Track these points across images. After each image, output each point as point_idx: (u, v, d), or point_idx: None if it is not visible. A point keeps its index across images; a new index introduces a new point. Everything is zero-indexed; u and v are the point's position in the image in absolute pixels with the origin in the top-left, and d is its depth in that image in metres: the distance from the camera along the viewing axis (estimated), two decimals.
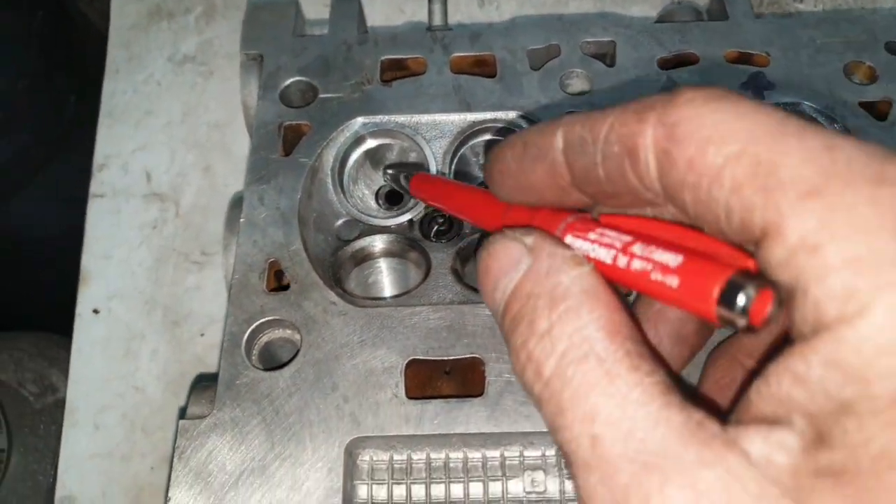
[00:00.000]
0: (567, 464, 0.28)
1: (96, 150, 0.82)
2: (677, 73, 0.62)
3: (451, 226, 0.59)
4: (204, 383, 0.52)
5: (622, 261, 0.30)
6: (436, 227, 0.59)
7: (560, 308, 0.29)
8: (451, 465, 0.50)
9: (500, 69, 0.63)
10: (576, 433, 0.27)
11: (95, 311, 0.76)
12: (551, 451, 0.50)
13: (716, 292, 0.26)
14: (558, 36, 0.64)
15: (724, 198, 0.25)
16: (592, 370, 0.27)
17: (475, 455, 0.50)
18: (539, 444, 0.50)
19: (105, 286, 0.77)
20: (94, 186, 0.81)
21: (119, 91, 0.85)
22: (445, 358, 0.51)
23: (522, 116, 0.61)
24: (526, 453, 0.50)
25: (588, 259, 0.31)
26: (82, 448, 0.72)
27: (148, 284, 0.77)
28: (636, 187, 0.29)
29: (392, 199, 0.65)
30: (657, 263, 0.28)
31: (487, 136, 0.62)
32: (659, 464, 0.24)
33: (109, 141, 0.83)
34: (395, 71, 0.65)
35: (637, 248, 0.29)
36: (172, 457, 0.48)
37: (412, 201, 0.60)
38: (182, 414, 0.52)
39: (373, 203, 0.65)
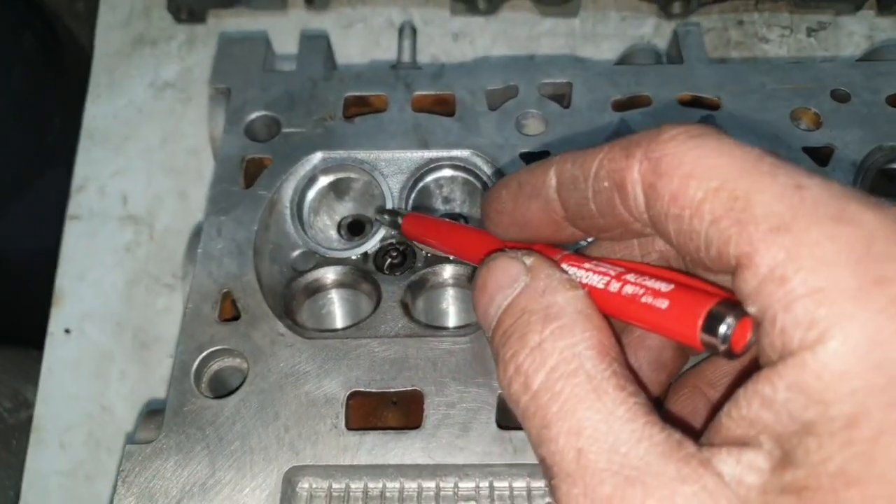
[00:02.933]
0: (548, 476, 0.29)
1: (75, 173, 0.85)
2: (630, 114, 0.64)
3: (404, 259, 0.61)
4: (153, 409, 0.54)
5: (614, 286, 0.32)
6: (389, 261, 0.61)
7: (553, 325, 0.30)
8: (388, 494, 0.52)
9: (459, 108, 0.65)
10: (561, 445, 0.28)
11: (67, 331, 0.78)
12: (485, 483, 0.52)
13: (701, 319, 0.28)
14: (517, 77, 0.66)
15: (703, 229, 0.27)
16: (581, 385, 0.28)
17: (411, 485, 0.52)
18: (473, 475, 0.52)
19: (78, 306, 0.79)
20: (72, 208, 0.83)
21: (100, 115, 0.87)
22: (387, 390, 0.53)
23: (478, 155, 0.63)
24: (461, 484, 0.52)
25: (582, 285, 0.33)
26: (47, 466, 0.74)
27: (119, 306, 0.79)
28: (626, 220, 0.31)
29: (354, 229, 0.67)
30: (648, 289, 0.30)
31: (444, 173, 0.64)
32: (640, 478, 0.26)
33: (88, 164, 0.85)
34: (360, 107, 0.67)
35: (630, 276, 0.31)
36: (116, 480, 0.50)
37: (372, 233, 0.62)
38: (131, 439, 0.54)
39: (334, 234, 0.67)
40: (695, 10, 0.86)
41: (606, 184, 0.30)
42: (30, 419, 0.77)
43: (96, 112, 0.87)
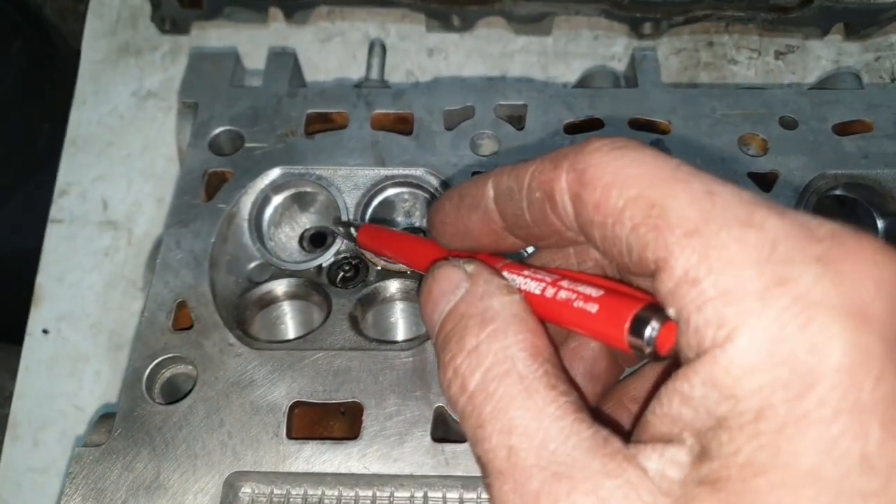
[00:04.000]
0: (483, 474, 0.31)
1: (59, 178, 0.87)
2: (580, 137, 0.66)
3: (356, 273, 0.63)
4: (106, 413, 0.56)
5: (550, 291, 0.33)
6: (341, 274, 0.63)
7: (489, 328, 0.31)
8: (326, 501, 0.54)
9: (417, 127, 0.67)
10: (494, 444, 0.30)
11: (45, 332, 0.81)
12: (419, 493, 0.54)
13: (627, 322, 0.29)
14: (475, 98, 0.68)
15: (624, 235, 0.29)
16: (513, 385, 0.29)
17: (349, 493, 0.54)
18: (409, 486, 0.54)
19: (56, 308, 0.82)
20: (54, 212, 0.86)
21: (84, 122, 0.90)
22: (328, 402, 0.55)
23: (431, 173, 0.65)
24: (396, 494, 0.54)
25: (519, 290, 0.34)
26: (21, 462, 0.76)
27: (96, 308, 0.82)
28: (558, 228, 0.32)
29: (315, 241, 0.69)
30: (580, 294, 0.32)
31: (399, 190, 0.66)
32: (567, 473, 0.27)
33: (71, 169, 0.88)
34: (323, 123, 0.69)
35: (565, 283, 0.33)
36: (64, 482, 0.52)
37: (328, 246, 0.64)
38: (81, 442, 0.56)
39: (296, 245, 0.69)
40: (666, 31, 0.88)
41: (538, 194, 0.32)
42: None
43: (81, 118, 0.90)
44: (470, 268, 0.35)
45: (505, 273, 0.36)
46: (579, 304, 0.31)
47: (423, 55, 0.90)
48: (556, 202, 0.31)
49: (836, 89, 0.70)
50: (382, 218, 0.69)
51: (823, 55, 0.88)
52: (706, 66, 0.88)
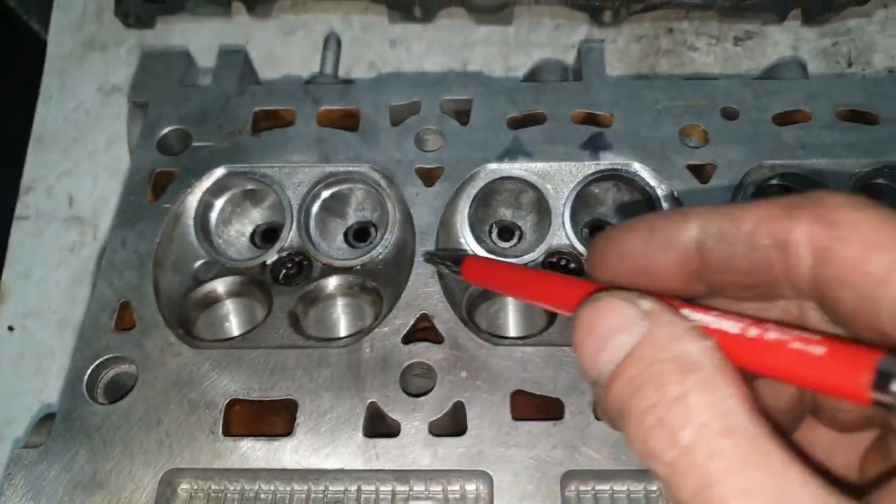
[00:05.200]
0: None
1: (24, 174, 0.88)
2: (524, 132, 0.67)
3: (300, 270, 0.64)
4: (47, 414, 0.58)
5: (753, 332, 0.29)
6: (284, 271, 0.64)
7: (693, 377, 0.28)
8: (262, 496, 0.55)
9: (363, 123, 0.68)
10: None
11: (10, 328, 0.82)
12: (353, 487, 0.55)
13: (869, 372, 0.25)
14: (421, 93, 0.69)
15: (891, 297, 0.27)
16: (742, 444, 0.27)
17: (284, 488, 0.55)
18: (343, 480, 0.55)
19: (22, 304, 0.83)
20: (20, 209, 0.87)
21: (50, 118, 0.91)
22: (264, 399, 0.56)
23: (375, 169, 0.65)
24: (331, 488, 0.55)
25: (709, 331, 0.30)
26: None
27: (62, 305, 0.83)
28: (776, 279, 0.30)
29: (267, 237, 0.70)
30: (798, 336, 0.28)
31: (343, 186, 0.67)
32: None
33: (37, 165, 0.89)
34: (272, 121, 0.70)
35: (769, 324, 0.29)
36: (2, 483, 0.53)
37: (284, 239, 0.65)
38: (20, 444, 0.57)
39: (247, 242, 0.70)
40: (625, 19, 0.88)
41: (766, 241, 0.30)
42: None
43: (46, 114, 0.91)
44: (646, 304, 0.31)
45: (685, 311, 0.32)
46: (798, 345, 0.28)
47: (385, 47, 0.90)
48: (790, 252, 0.29)
49: (779, 79, 0.70)
50: (334, 213, 0.70)
51: (781, 41, 0.88)
52: (666, 54, 0.88)
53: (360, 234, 0.70)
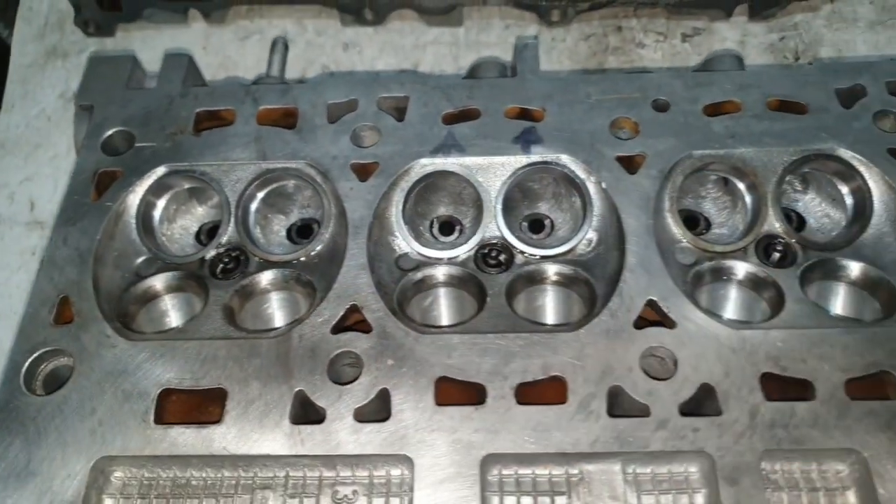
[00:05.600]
0: None
1: None
2: (458, 127, 0.68)
3: (237, 265, 0.66)
4: None
5: None
6: (221, 266, 0.65)
7: None
8: (194, 483, 0.56)
9: (300, 121, 0.69)
10: None
11: None
12: (281, 473, 0.56)
13: None
14: (359, 91, 0.70)
15: None
16: None
17: (216, 475, 0.56)
18: (272, 466, 0.56)
19: None
20: None
21: (13, 125, 0.93)
22: (195, 388, 0.58)
23: (310, 165, 0.67)
24: (260, 474, 0.56)
25: None
26: None
27: (23, 307, 0.84)
28: None
29: (212, 234, 0.72)
30: None
31: (284, 182, 0.69)
32: None
33: (0, 171, 0.91)
34: (214, 121, 0.71)
35: None
36: None
37: (223, 235, 0.66)
38: None
39: (191, 240, 0.71)
40: (573, 18, 0.89)
41: None
42: None
43: (9, 121, 0.93)
44: None
45: None
46: None
47: (338, 50, 0.92)
48: None
49: (713, 71, 0.72)
50: (279, 209, 0.71)
51: (729, 37, 0.89)
52: (615, 51, 0.90)
53: (303, 231, 0.72)
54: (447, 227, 0.72)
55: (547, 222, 0.71)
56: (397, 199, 0.66)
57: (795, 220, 0.69)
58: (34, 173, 0.91)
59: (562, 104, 0.69)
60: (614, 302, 0.60)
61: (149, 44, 0.94)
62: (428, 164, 0.67)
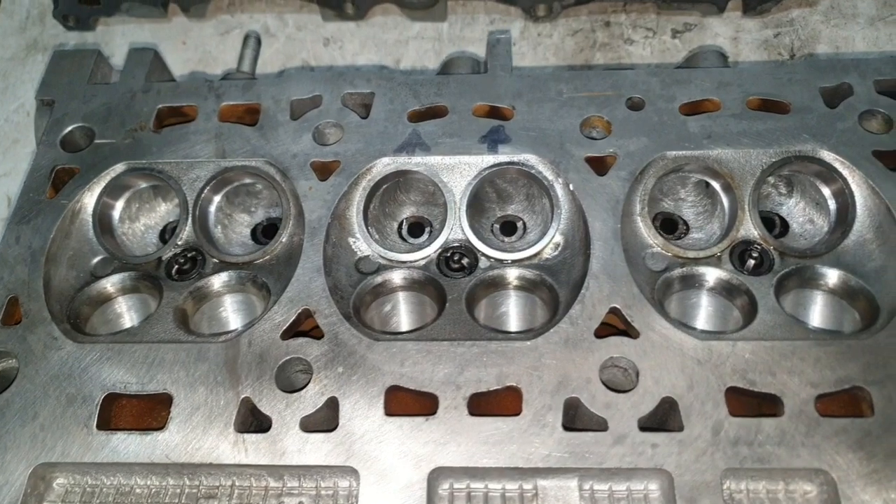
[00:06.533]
0: None
1: None
2: (424, 125, 0.66)
3: (193, 266, 0.64)
4: None
5: None
6: (177, 267, 0.64)
7: None
8: (137, 490, 0.55)
9: (262, 118, 0.67)
10: None
11: None
12: (227, 482, 0.54)
13: None
14: (323, 87, 0.68)
15: None
16: None
17: (160, 483, 0.55)
18: (217, 475, 0.54)
19: None
20: None
21: None
22: (140, 393, 0.56)
23: (269, 163, 0.65)
24: (205, 482, 0.54)
25: None
26: None
27: None
28: None
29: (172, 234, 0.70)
30: None
31: (244, 180, 0.67)
32: None
33: None
34: (178, 117, 0.69)
35: None
36: None
37: (180, 234, 0.65)
38: None
39: (156, 238, 0.70)
40: (559, 13, 0.87)
41: None
42: None
43: None
44: None
45: None
46: None
47: (318, 45, 0.90)
48: None
49: (692, 68, 0.69)
50: (240, 207, 0.69)
51: (721, 32, 0.86)
52: (602, 47, 0.87)
53: (268, 231, 0.70)
54: (417, 228, 0.70)
55: (520, 224, 0.69)
56: (358, 199, 0.64)
57: (779, 225, 0.66)
58: (12, 169, 0.89)
59: (531, 102, 0.66)
60: (576, 309, 0.57)
61: (129, 38, 0.93)
62: (390, 162, 0.65)
